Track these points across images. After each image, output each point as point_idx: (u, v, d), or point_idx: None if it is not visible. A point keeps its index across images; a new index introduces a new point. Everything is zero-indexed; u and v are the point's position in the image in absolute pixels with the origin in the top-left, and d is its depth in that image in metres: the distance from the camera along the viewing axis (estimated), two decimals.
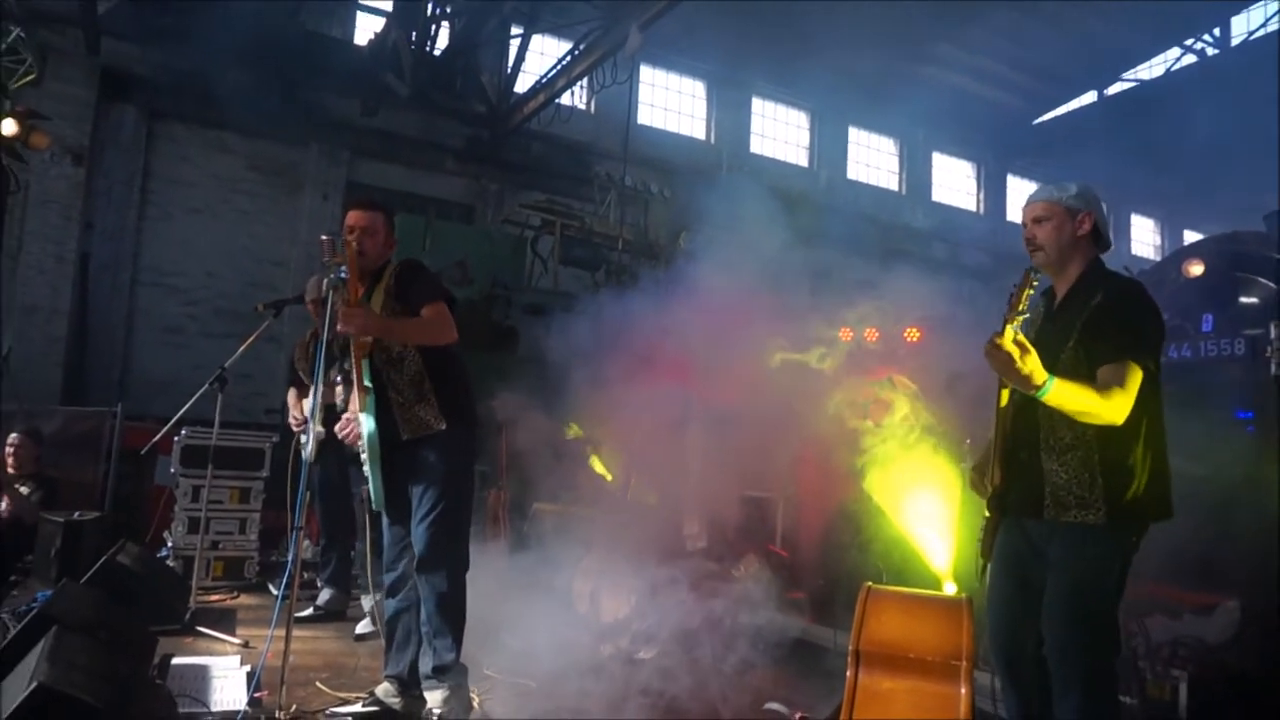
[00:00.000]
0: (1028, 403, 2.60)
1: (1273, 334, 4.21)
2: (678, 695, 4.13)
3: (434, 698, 3.42)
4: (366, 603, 4.98)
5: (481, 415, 3.92)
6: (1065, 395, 2.41)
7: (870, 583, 3.25)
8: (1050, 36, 15.31)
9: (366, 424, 3.42)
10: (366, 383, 3.43)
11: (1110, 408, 2.44)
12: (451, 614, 3.45)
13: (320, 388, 3.60)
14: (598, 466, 6.58)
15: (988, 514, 2.77)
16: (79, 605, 3.45)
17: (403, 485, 3.53)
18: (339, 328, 3.33)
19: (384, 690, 3.61)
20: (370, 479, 3.48)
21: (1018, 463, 2.67)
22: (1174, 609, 3.90)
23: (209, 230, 11.51)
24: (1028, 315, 2.39)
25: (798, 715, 3.58)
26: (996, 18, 14.53)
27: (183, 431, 6.17)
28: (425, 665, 3.47)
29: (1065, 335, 2.63)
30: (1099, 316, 2.58)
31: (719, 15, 12.63)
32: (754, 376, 5.92)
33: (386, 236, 3.64)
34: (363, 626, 4.99)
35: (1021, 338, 2.35)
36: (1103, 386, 2.45)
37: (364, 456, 3.48)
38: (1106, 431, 2.51)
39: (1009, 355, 2.32)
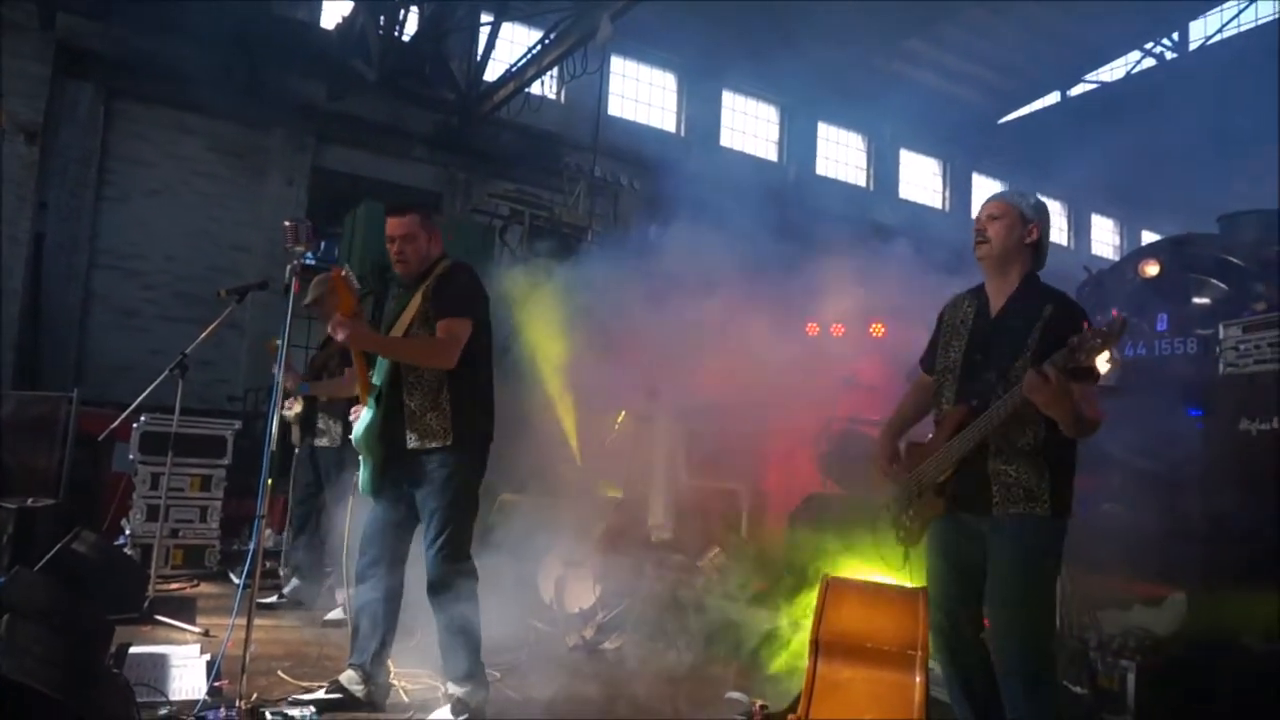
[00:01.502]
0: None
1: (1222, 334, 4.34)
2: (640, 685, 4.16)
3: (457, 688, 3.48)
4: (340, 595, 4.94)
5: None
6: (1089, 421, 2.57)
7: (830, 574, 3.30)
8: (1016, 35, 15.55)
9: (363, 418, 3.49)
10: (375, 380, 3.48)
11: (1097, 424, 2.62)
12: (469, 628, 3.49)
13: (281, 375, 3.64)
14: (569, 430, 6.54)
15: (918, 510, 2.85)
16: (33, 593, 3.38)
17: (399, 481, 3.54)
18: (330, 332, 3.36)
19: (347, 678, 3.60)
20: (361, 466, 3.55)
21: (964, 462, 2.75)
22: (1125, 601, 4.00)
23: (169, 213, 11.27)
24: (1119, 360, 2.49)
25: (758, 704, 3.62)
26: (967, 14, 14.69)
27: (142, 418, 6.06)
28: (452, 673, 3.50)
29: (1016, 345, 2.70)
30: (1055, 333, 2.63)
31: (690, 7, 12.62)
32: (719, 369, 5.98)
33: (429, 237, 3.62)
34: (332, 614, 4.96)
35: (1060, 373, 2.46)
36: (1084, 404, 2.57)
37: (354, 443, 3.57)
38: (1058, 436, 2.64)
39: (1058, 389, 2.45)
